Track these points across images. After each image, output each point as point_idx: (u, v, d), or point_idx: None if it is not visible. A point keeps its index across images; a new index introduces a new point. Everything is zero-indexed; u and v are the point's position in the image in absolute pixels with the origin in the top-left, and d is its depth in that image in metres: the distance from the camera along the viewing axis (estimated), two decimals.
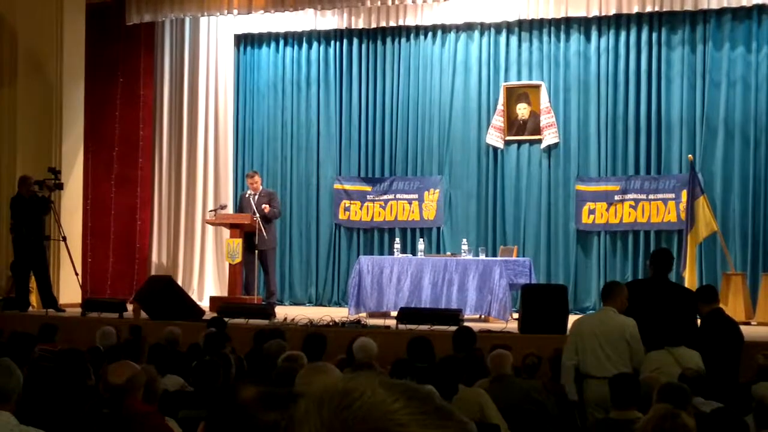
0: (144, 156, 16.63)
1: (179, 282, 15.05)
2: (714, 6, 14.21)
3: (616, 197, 14.74)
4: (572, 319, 9.68)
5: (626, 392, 6.47)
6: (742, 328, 12.54)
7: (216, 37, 16.80)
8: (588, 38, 15.15)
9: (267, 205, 14.27)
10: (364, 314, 13.61)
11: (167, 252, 16.68)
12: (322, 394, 1.20)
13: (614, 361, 8.03)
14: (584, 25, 15.13)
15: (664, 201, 14.50)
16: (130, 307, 13.31)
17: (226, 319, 10.97)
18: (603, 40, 15.06)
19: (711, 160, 14.39)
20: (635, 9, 14.54)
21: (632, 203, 14.68)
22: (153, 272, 16.05)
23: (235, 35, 16.87)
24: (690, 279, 13.13)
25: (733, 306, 13.14)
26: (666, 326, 8.28)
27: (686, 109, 14.63)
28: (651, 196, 14.59)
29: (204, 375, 6.60)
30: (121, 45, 16.56)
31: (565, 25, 15.24)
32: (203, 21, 16.68)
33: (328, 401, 1.18)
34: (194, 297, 14.78)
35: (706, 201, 13.53)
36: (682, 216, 13.97)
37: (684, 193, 13.95)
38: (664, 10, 14.48)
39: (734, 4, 14.11)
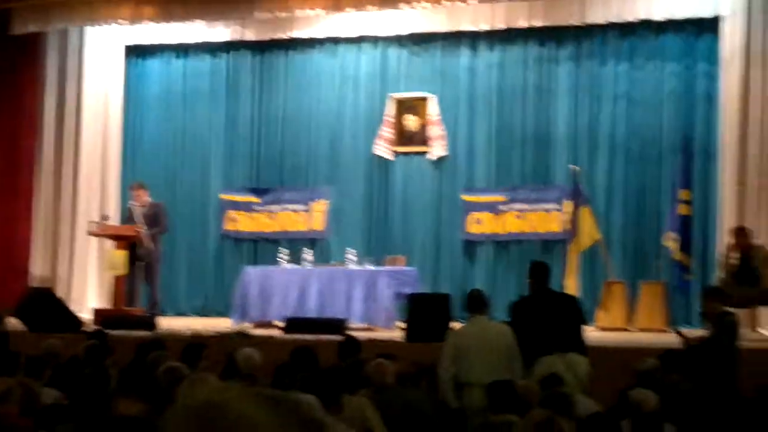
0: (26, 167, 16.30)
1: (61, 294, 14.78)
2: (600, 21, 14.50)
3: (502, 207, 14.92)
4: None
5: (503, 399, 6.57)
6: (621, 334, 12.87)
7: (105, 47, 16.55)
8: (476, 52, 15.32)
9: (151, 242, 14.03)
10: (249, 324, 13.54)
11: (49, 263, 16.35)
12: (191, 406, 1.19)
13: (495, 368, 8.13)
14: (473, 39, 15.30)
15: (549, 211, 14.71)
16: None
17: (108, 331, 10.82)
18: (491, 54, 15.24)
19: (595, 172, 14.66)
20: (523, 24, 14.75)
21: (517, 213, 14.86)
22: (34, 284, 15.72)
23: (126, 46, 16.65)
24: (571, 287, 13.36)
25: (613, 313, 13.42)
26: (556, 335, 8.42)
27: (570, 123, 14.88)
28: (536, 206, 14.80)
29: (81, 388, 6.49)
30: (5, 54, 16.18)
31: (455, 39, 15.39)
32: (92, 31, 16.41)
33: (196, 413, 1.17)
34: (77, 309, 14.51)
35: (589, 211, 13.78)
36: (566, 226, 14.20)
37: (568, 204, 14.18)
38: (552, 24, 14.73)
39: (619, 20, 14.41)
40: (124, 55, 16.68)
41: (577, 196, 13.86)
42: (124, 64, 16.69)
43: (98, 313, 14.00)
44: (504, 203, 14.90)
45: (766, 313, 12.58)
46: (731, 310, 10.05)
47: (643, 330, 13.03)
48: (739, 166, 13.45)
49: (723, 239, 13.14)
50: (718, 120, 13.94)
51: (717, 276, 12.65)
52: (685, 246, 13.25)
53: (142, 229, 14.01)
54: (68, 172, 16.40)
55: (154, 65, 16.82)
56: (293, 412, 1.19)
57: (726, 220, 13.43)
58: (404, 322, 12.26)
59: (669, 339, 10.78)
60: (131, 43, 16.61)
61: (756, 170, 13.33)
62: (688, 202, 13.36)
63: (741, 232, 12.43)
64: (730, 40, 13.69)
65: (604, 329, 13.13)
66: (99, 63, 16.52)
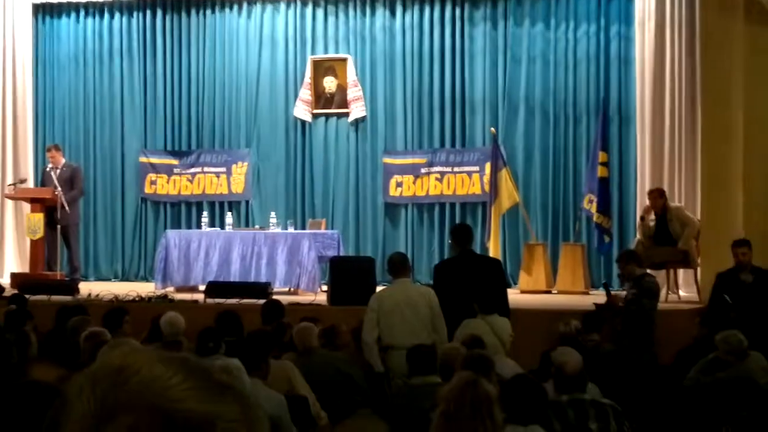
0: None
1: None
2: None
3: (423, 170, 14.96)
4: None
5: (423, 362, 6.65)
6: (543, 297, 13.03)
7: (12, 6, 16.16)
8: (393, 13, 15.29)
9: (68, 205, 13.75)
10: (171, 289, 13.46)
11: None
12: (97, 371, 1.16)
13: (418, 331, 8.19)
14: (390, 0, 15.27)
15: (469, 173, 14.79)
16: None
17: (27, 296, 10.68)
18: (408, 16, 15.22)
19: (513, 134, 14.74)
20: None
21: (438, 176, 14.92)
22: None
23: (33, 5, 16.26)
24: (494, 249, 13.48)
25: (535, 276, 13.55)
26: (479, 296, 8.49)
27: (489, 85, 14.93)
28: (456, 169, 14.86)
29: (1, 354, 6.40)
30: None
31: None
32: None
33: (103, 378, 1.15)
34: None
35: (509, 173, 13.88)
36: (486, 188, 14.30)
37: (488, 166, 14.27)
38: None
39: None
40: (32, 14, 16.29)
41: (497, 158, 13.94)
42: (32, 23, 16.32)
43: (15, 277, 13.80)
44: (425, 166, 14.94)
45: (685, 275, 12.79)
46: (650, 272, 10.23)
47: (564, 292, 13.16)
48: (655, 128, 13.63)
49: (641, 201, 13.32)
50: (634, 82, 14.09)
51: (636, 238, 12.83)
52: (605, 208, 13.39)
53: (59, 192, 13.78)
54: None
55: (64, 24, 16.48)
56: (205, 376, 1.17)
57: (643, 181, 13.62)
58: (327, 285, 12.27)
59: (590, 301, 10.93)
60: (38, 1, 16.23)
61: (671, 132, 13.53)
62: (605, 164, 13.50)
63: (657, 194, 12.60)
64: (645, 2, 13.84)
65: (526, 292, 13.25)
66: (6, 22, 16.10)
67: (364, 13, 15.38)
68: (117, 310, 8.79)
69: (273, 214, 14.25)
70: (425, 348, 7.01)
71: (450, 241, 9.71)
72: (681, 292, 12.62)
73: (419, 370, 6.70)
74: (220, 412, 1.15)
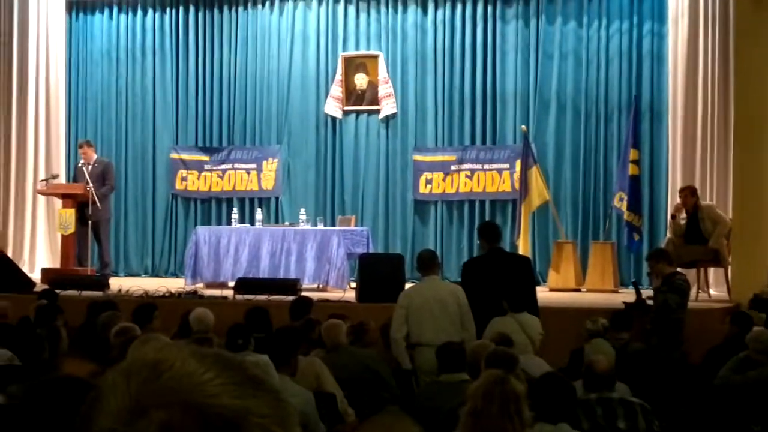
0: None
1: (9, 254, 14.64)
2: None
3: (453, 167, 14.94)
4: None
5: (452, 360, 6.64)
6: (572, 295, 12.98)
7: (46, 2, 16.26)
8: (425, 10, 15.28)
9: (98, 200, 13.79)
10: (201, 285, 13.50)
11: None
12: (131, 366, 1.16)
13: (446, 328, 8.18)
14: None
15: (499, 171, 14.75)
16: None
17: (58, 291, 10.75)
18: (440, 13, 15.21)
19: (544, 131, 14.70)
20: None
21: (468, 173, 14.89)
22: None
23: (67, 1, 16.36)
24: (524, 247, 13.44)
25: (565, 273, 13.51)
26: (509, 294, 8.48)
27: (520, 82, 14.89)
28: (486, 166, 14.83)
29: (30, 348, 6.44)
30: None
31: None
32: None
33: (136, 373, 1.15)
34: (26, 269, 14.39)
35: (539, 171, 13.84)
36: (516, 185, 14.26)
37: (518, 163, 14.24)
38: None
39: None
40: (65, 10, 16.39)
41: (527, 155, 13.91)
42: (66, 19, 16.41)
43: (46, 272, 13.88)
44: (455, 163, 14.92)
45: (716, 274, 12.71)
46: (681, 270, 10.17)
47: (593, 291, 13.10)
48: (687, 126, 13.56)
49: (672, 199, 13.25)
50: (666, 79, 14.02)
51: (667, 236, 12.76)
52: (635, 206, 13.32)
53: (91, 188, 13.85)
54: (14, 131, 16.15)
55: (98, 21, 16.56)
56: (239, 371, 1.17)
57: (674, 179, 13.55)
58: (356, 282, 12.28)
59: (619, 299, 10.89)
60: None
61: (703, 130, 13.44)
62: (637, 162, 13.43)
63: (688, 192, 12.51)
64: None
65: (555, 290, 13.21)
66: (41, 18, 16.19)
67: (395, 10, 15.37)
68: (147, 305, 8.84)
69: (303, 210, 14.27)
70: (455, 345, 7.01)
71: (479, 240, 9.68)
72: (711, 291, 12.52)
73: (448, 368, 6.70)
74: (252, 407, 1.15)
